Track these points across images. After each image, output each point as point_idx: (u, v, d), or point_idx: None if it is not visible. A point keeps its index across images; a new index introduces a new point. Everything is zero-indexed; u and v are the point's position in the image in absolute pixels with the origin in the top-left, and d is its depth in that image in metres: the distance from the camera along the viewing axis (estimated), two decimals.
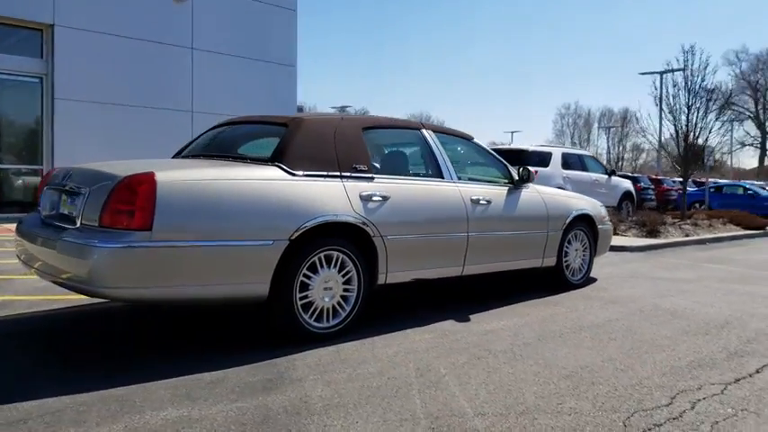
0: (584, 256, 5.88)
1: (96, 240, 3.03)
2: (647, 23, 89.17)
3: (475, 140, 5.17)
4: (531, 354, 3.58)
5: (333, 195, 3.74)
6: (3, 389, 2.80)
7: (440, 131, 4.82)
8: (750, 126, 61.09)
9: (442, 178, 4.52)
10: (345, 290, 3.81)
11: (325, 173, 3.78)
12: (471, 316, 4.47)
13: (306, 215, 3.56)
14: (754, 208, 17.34)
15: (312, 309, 3.64)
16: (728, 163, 50.84)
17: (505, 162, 5.23)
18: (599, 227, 6.00)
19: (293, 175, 3.64)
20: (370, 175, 3.99)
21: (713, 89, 14.12)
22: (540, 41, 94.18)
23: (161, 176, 3.14)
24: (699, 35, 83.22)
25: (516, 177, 5.12)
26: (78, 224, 3.25)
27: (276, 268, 3.43)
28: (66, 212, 3.46)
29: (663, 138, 17.84)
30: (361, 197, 3.85)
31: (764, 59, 58.64)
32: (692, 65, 13.88)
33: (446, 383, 3.03)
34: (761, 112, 60.62)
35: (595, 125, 72.85)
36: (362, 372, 3.16)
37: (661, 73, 40.57)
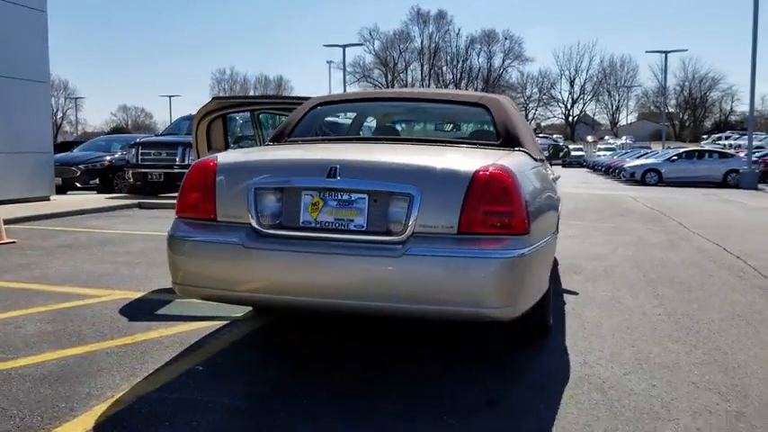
0: None
1: (486, 251, 2.50)
2: None
3: None
4: (670, 330, 4.12)
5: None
6: None
7: None
8: None
9: None
10: None
11: (537, 157, 3.53)
12: None
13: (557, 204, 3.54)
14: None
15: None
16: None
17: None
18: None
19: (537, 161, 3.42)
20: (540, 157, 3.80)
21: None
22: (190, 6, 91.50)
23: (507, 165, 2.67)
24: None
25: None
26: (407, 233, 2.54)
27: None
28: (347, 219, 2.64)
29: None
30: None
31: (391, 39, 67.23)
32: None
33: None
34: (390, 84, 69.06)
35: (251, 91, 75.51)
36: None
37: (344, 46, 43.85)
